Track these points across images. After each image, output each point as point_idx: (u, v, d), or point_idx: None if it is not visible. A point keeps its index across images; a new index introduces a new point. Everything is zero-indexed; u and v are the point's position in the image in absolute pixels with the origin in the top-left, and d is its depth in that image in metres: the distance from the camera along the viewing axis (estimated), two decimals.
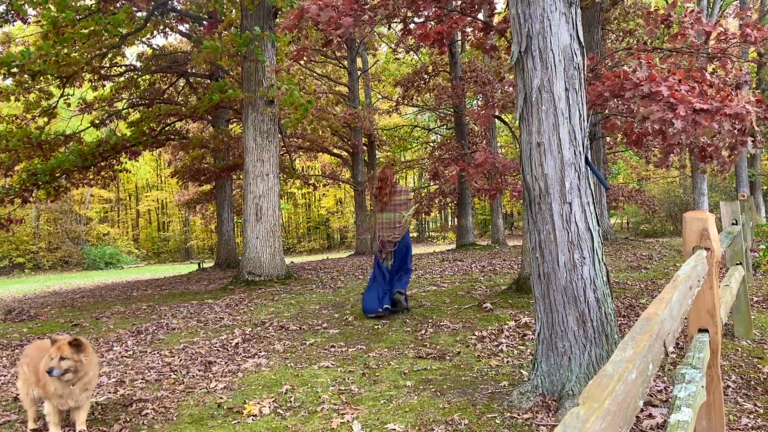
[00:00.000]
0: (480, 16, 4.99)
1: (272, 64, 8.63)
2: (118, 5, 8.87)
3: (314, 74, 18.02)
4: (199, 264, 16.81)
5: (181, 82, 14.32)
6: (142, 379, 3.82)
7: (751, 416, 2.65)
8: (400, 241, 5.18)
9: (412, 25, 4.58)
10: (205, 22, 11.59)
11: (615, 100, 3.63)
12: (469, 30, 5.07)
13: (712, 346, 2.15)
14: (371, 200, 5.43)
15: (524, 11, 2.98)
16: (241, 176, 13.04)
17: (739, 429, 2.51)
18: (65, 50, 7.84)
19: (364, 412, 2.95)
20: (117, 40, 8.93)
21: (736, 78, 3.95)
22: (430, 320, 5.02)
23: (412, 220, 4.99)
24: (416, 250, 15.12)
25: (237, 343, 4.66)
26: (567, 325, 2.87)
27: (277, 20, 9.17)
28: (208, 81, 13.20)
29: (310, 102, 8.11)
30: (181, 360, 4.28)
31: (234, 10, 9.44)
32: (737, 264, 3.95)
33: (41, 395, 2.89)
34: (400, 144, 21.41)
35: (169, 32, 12.29)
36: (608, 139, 12.23)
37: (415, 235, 31.93)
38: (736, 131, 3.09)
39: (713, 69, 4.93)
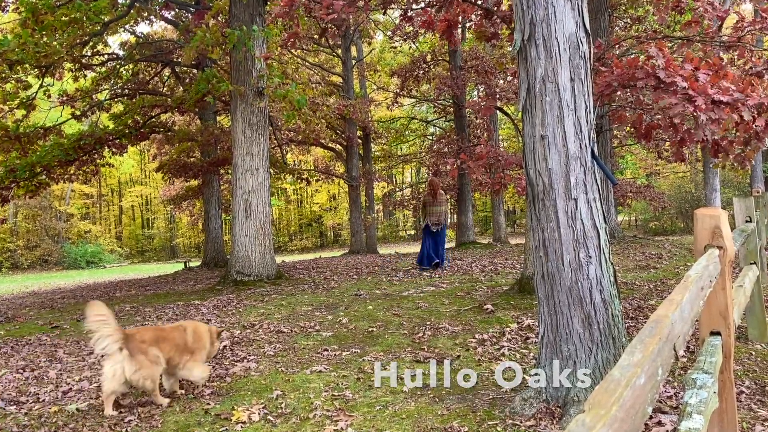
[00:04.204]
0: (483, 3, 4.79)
1: (262, 52, 8.36)
2: None
3: (306, 63, 17.63)
4: (185, 263, 16.45)
5: (167, 71, 13.92)
6: None
7: (766, 424, 2.57)
8: (444, 223, 8.85)
9: (412, 12, 4.40)
10: (191, 9, 11.26)
11: (624, 90, 3.50)
12: (474, 17, 4.89)
13: (724, 349, 2.09)
14: (425, 198, 8.84)
15: None
16: (229, 171, 12.76)
17: None
18: (45, 38, 7.52)
19: (359, 419, 2.86)
20: (99, 27, 8.61)
21: (754, 66, 3.83)
22: (428, 322, 4.89)
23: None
24: (414, 249, 14.99)
25: (225, 346, 4.52)
26: (572, 327, 2.77)
27: (267, 7, 8.90)
28: (195, 71, 12.86)
29: (303, 100, 7.87)
30: None
31: None
32: (751, 263, 3.87)
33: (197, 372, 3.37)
34: (396, 137, 21.05)
35: (154, 19, 11.91)
36: (616, 132, 11.97)
37: (412, 232, 31.88)
38: (757, 127, 2.98)
39: (729, 58, 4.79)
